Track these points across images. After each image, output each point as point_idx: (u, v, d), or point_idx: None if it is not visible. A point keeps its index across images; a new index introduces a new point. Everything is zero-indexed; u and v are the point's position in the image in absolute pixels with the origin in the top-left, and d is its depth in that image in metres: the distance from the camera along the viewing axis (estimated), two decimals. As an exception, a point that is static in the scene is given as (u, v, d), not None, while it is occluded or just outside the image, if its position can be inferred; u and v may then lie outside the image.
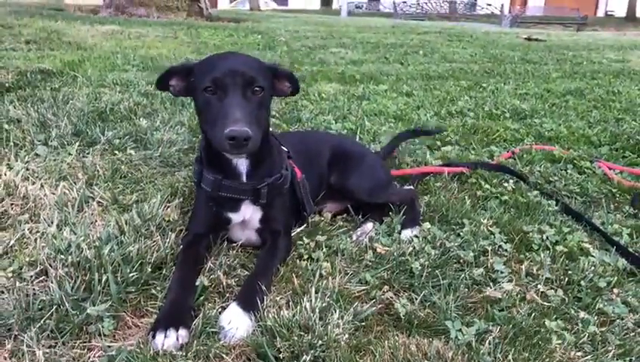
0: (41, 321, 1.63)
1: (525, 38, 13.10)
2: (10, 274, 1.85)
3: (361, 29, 13.41)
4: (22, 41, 6.67)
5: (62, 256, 1.92)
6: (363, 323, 1.76)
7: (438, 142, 3.81)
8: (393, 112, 4.54)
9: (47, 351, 1.55)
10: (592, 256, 2.29)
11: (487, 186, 2.95)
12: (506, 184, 2.98)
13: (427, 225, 2.40)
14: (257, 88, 1.89)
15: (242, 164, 2.06)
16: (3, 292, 1.78)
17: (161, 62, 6.06)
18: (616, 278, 2.11)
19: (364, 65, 7.35)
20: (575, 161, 3.49)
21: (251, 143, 1.77)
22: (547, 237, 2.39)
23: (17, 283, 1.81)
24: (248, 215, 2.10)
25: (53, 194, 2.43)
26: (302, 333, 1.63)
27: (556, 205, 2.77)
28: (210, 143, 1.98)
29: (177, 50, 7.22)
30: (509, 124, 4.34)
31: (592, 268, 2.18)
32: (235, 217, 2.10)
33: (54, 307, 1.68)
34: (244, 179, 2.07)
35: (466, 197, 2.79)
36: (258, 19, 15.16)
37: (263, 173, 2.08)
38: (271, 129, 2.25)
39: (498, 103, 5.12)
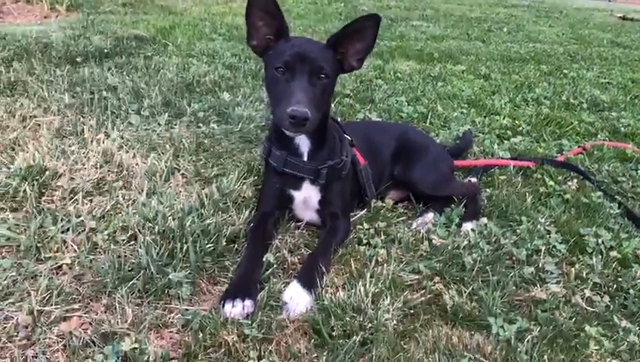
0: (131, 282, 1.89)
1: (620, 17, 12.38)
2: (106, 237, 2.13)
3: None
4: (119, 4, 7.10)
5: (150, 224, 2.19)
6: (411, 311, 1.92)
7: (509, 132, 3.84)
8: (467, 97, 4.57)
9: (135, 308, 1.81)
10: (647, 264, 2.33)
11: (551, 183, 2.99)
12: (570, 183, 3.00)
13: (484, 220, 2.50)
14: (323, 75, 2.09)
15: (305, 144, 2.27)
16: (100, 252, 2.06)
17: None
18: (667, 290, 2.16)
19: (445, 41, 7.29)
20: (648, 162, 3.44)
21: (309, 124, 1.98)
22: (603, 242, 2.44)
23: (112, 246, 2.09)
24: (308, 194, 2.30)
25: (144, 163, 2.71)
26: (354, 315, 1.82)
27: (619, 208, 2.79)
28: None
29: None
30: (584, 117, 4.28)
31: (644, 277, 2.23)
32: (297, 195, 2.30)
33: (142, 270, 1.94)
34: (306, 158, 2.27)
35: (528, 193, 2.85)
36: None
37: (324, 156, 2.28)
38: (339, 118, 2.40)
39: (577, 92, 5.01)
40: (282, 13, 2.14)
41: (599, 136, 3.94)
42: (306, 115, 1.93)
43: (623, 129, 4.11)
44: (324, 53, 2.14)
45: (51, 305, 1.76)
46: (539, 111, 4.34)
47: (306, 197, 2.31)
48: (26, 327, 1.67)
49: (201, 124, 3.29)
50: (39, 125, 2.99)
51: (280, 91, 2.06)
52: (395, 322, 1.83)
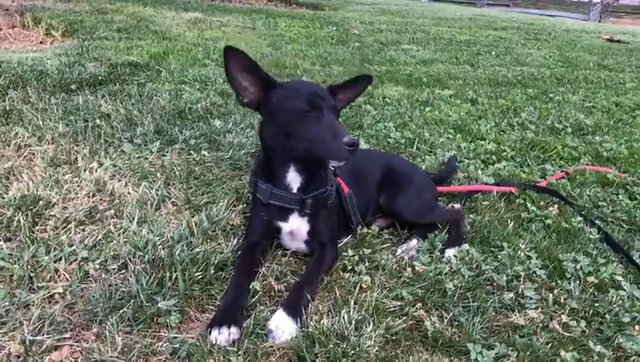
0: (121, 310, 1.94)
1: (607, 39, 12.61)
2: (97, 266, 2.19)
3: (437, 22, 13.33)
4: (114, 29, 7.20)
5: (140, 253, 2.25)
6: (393, 337, 1.98)
7: (494, 157, 3.93)
8: (454, 122, 4.67)
9: (125, 336, 1.86)
10: (623, 289, 2.40)
11: (533, 208, 3.07)
12: (551, 208, 3.08)
13: (466, 246, 2.58)
14: (338, 113, 2.29)
15: (296, 180, 2.33)
16: (91, 281, 2.12)
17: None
18: (641, 314, 2.23)
19: (434, 65, 7.43)
20: (628, 186, 3.54)
21: (358, 150, 2.12)
22: (581, 267, 2.51)
23: (103, 275, 2.15)
24: (296, 225, 2.37)
25: (136, 192, 2.77)
26: (338, 342, 1.88)
27: (598, 233, 2.87)
28: (271, 158, 2.32)
29: (254, 44, 7.55)
30: (568, 141, 4.38)
31: (620, 301, 2.30)
32: (284, 226, 2.37)
33: (132, 299, 2.00)
34: (295, 191, 2.34)
35: (510, 218, 2.93)
36: (335, 6, 15.30)
37: (311, 188, 2.35)
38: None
39: (562, 116, 5.13)
40: (260, 67, 2.23)
41: (582, 160, 4.04)
42: (358, 141, 2.10)
43: (605, 153, 4.21)
44: (330, 94, 2.32)
45: (43, 334, 1.81)
46: (524, 135, 4.44)
47: (294, 229, 2.37)
48: (18, 357, 1.73)
49: (192, 152, 3.36)
50: (34, 154, 3.06)
51: (314, 130, 2.15)
52: (377, 349, 1.89)
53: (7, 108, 3.71)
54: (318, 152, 2.19)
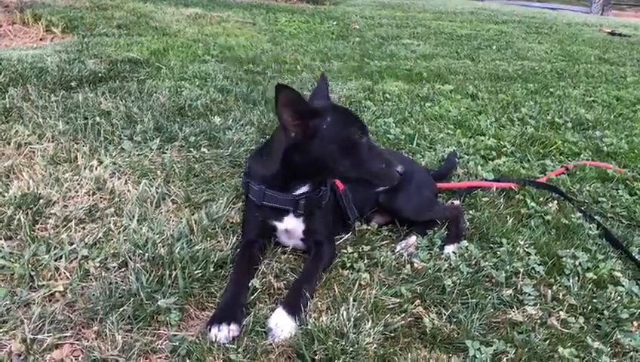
0: (121, 308, 1.96)
1: (608, 33, 12.57)
2: (97, 264, 2.20)
3: (438, 16, 13.29)
4: (114, 26, 7.20)
5: (140, 251, 2.27)
6: (392, 334, 1.99)
7: (494, 152, 3.93)
8: (454, 117, 4.66)
9: (125, 335, 1.87)
10: (622, 285, 2.41)
11: (532, 204, 3.07)
12: (551, 204, 3.09)
13: (465, 243, 2.58)
14: None
15: (305, 189, 2.33)
16: (92, 280, 2.13)
17: (239, 53, 6.41)
18: (640, 310, 2.24)
19: (434, 60, 7.42)
20: (628, 182, 3.54)
21: None
22: (580, 263, 2.52)
23: (103, 273, 2.16)
24: (291, 225, 2.37)
25: (136, 189, 2.78)
26: (337, 339, 1.89)
27: (597, 229, 2.87)
28: (292, 174, 2.28)
29: (254, 39, 7.54)
30: (568, 136, 4.38)
31: (619, 297, 2.31)
32: (279, 225, 2.38)
33: (132, 297, 2.01)
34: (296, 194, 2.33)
35: (509, 215, 2.94)
36: (336, 0, 15.24)
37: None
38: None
39: (562, 111, 5.12)
40: (304, 100, 2.16)
41: (582, 155, 4.04)
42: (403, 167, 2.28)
43: (605, 148, 4.20)
44: None
45: (44, 332, 1.83)
46: (524, 131, 4.44)
47: (290, 228, 2.38)
48: (19, 355, 1.74)
49: (192, 149, 3.37)
50: (34, 152, 3.07)
51: (369, 156, 2.24)
52: (375, 346, 1.90)
53: (7, 105, 3.72)
54: (371, 179, 2.28)
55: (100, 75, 4.72)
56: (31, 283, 2.06)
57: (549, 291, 2.31)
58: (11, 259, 2.16)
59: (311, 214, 2.37)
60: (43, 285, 2.05)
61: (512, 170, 3.60)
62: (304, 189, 2.32)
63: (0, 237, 2.31)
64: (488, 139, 4.16)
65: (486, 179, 3.39)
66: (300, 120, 2.13)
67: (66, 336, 1.84)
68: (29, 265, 2.13)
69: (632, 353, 2.03)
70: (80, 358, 1.75)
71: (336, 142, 2.19)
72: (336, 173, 2.29)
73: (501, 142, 4.12)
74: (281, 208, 2.33)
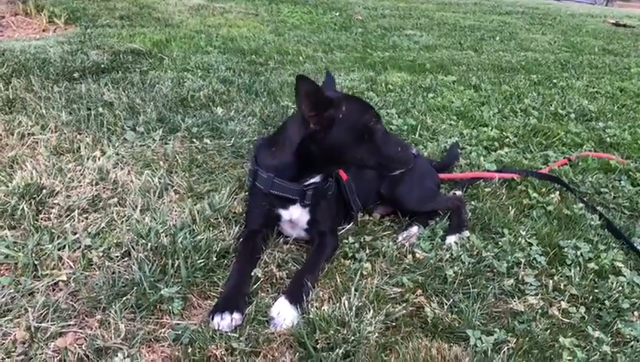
0: (124, 297, 1.98)
1: (613, 23, 12.49)
2: (100, 254, 2.22)
3: (441, 7, 13.20)
4: (116, 17, 7.19)
5: (143, 241, 2.28)
6: (393, 324, 2.00)
7: (496, 143, 3.93)
8: (456, 108, 4.66)
9: (128, 323, 1.89)
10: (623, 275, 2.41)
11: (534, 195, 3.08)
12: (553, 195, 3.08)
13: (467, 233, 2.59)
14: None
15: (316, 179, 2.34)
16: (95, 269, 2.15)
17: (241, 44, 6.40)
18: (641, 300, 2.24)
19: (437, 51, 7.39)
20: (630, 173, 3.53)
21: None
22: (581, 254, 2.52)
23: (106, 262, 2.17)
24: (296, 215, 2.38)
25: (139, 180, 2.79)
26: (338, 328, 1.90)
27: (599, 220, 2.87)
28: (306, 164, 2.28)
29: (257, 30, 7.52)
30: (571, 127, 4.37)
31: (620, 288, 2.31)
32: (284, 214, 2.38)
33: (135, 286, 2.03)
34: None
35: (511, 205, 2.94)
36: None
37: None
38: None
39: (565, 102, 5.10)
40: (323, 91, 2.17)
41: (585, 146, 4.02)
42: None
43: (608, 139, 4.19)
44: None
45: (48, 321, 1.84)
46: (527, 122, 4.43)
47: (294, 218, 2.38)
48: (24, 343, 1.76)
49: (194, 140, 3.37)
50: (37, 143, 3.07)
51: (385, 141, 2.29)
52: (377, 335, 1.92)
53: (11, 96, 3.72)
54: (388, 164, 2.33)
55: (102, 66, 4.72)
56: (35, 273, 2.08)
57: (551, 281, 2.32)
58: (15, 249, 2.18)
59: (317, 205, 2.37)
60: (46, 274, 2.07)
61: (514, 161, 3.59)
62: (314, 180, 2.33)
63: (4, 227, 2.32)
64: (491, 130, 4.15)
65: (488, 170, 3.39)
66: (316, 111, 2.14)
67: (69, 325, 1.86)
68: (33, 255, 2.14)
69: (632, 342, 2.03)
70: (83, 346, 1.76)
71: (353, 130, 2.21)
72: (354, 160, 2.31)
73: (504, 133, 4.12)
74: (288, 197, 2.33)
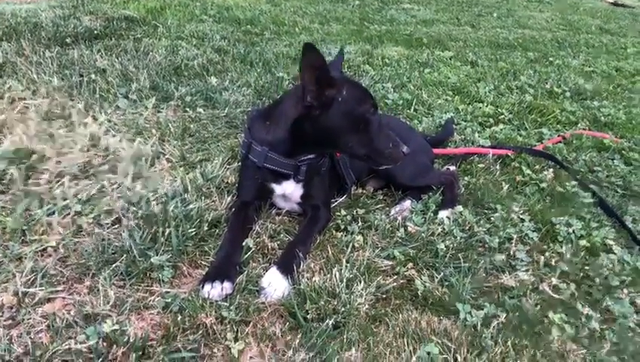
0: (114, 265, 1.96)
1: (611, 3, 12.39)
2: (90, 220, 2.20)
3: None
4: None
5: (134, 208, 2.26)
6: (384, 296, 2.00)
7: (491, 120, 3.91)
8: (452, 84, 4.62)
9: (118, 290, 1.88)
10: (614, 253, 2.42)
11: (528, 172, 3.07)
12: (546, 172, 3.08)
13: (460, 208, 2.58)
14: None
15: (309, 157, 2.30)
16: (84, 235, 2.13)
17: (237, 13, 6.30)
18: (631, 278, 2.25)
19: (434, 26, 7.32)
20: (624, 152, 3.53)
21: None
22: (573, 231, 2.52)
23: (96, 229, 2.15)
24: (290, 190, 2.35)
25: (130, 147, 2.76)
26: (329, 299, 1.90)
27: (592, 197, 2.87)
28: (300, 142, 2.23)
29: (253, 0, 7.41)
30: (566, 105, 4.35)
31: (610, 265, 2.32)
32: (277, 188, 2.35)
33: (125, 253, 2.01)
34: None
35: (505, 181, 2.93)
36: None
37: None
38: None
39: (561, 81, 5.07)
40: (328, 67, 2.10)
41: (579, 125, 4.02)
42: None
43: (603, 118, 4.18)
44: None
45: (36, 286, 1.83)
46: (522, 99, 4.40)
47: (288, 193, 2.36)
48: (11, 308, 1.75)
49: (188, 109, 3.33)
50: (27, 108, 3.03)
51: (378, 134, 2.22)
52: (367, 306, 1.92)
53: (1, 60, 3.66)
54: (376, 158, 2.25)
55: (95, 32, 4.64)
56: (23, 238, 2.06)
57: (542, 257, 2.32)
58: (3, 213, 2.16)
59: (310, 180, 2.35)
60: (35, 240, 2.05)
61: (508, 138, 3.58)
62: (309, 157, 2.30)
63: (-7, 192, 2.30)
64: (486, 106, 4.13)
65: (483, 146, 3.37)
66: (318, 85, 2.09)
67: (57, 291, 1.84)
68: (22, 220, 2.12)
69: (620, 319, 2.04)
70: (72, 312, 1.75)
71: (349, 117, 2.15)
72: (345, 148, 2.24)
73: (499, 110, 4.09)
74: (281, 172, 2.30)
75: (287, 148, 2.25)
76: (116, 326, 1.68)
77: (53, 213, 2.20)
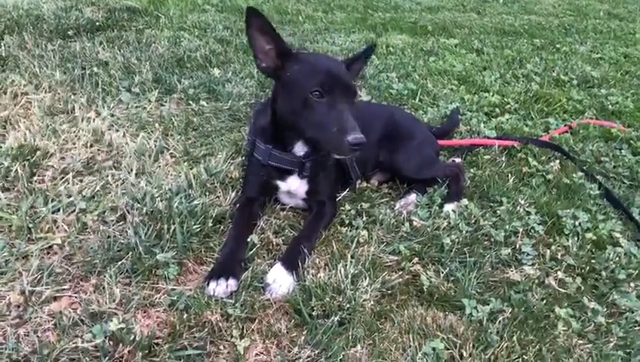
0: (119, 262, 1.96)
1: (619, -13, 12.23)
2: (95, 217, 2.19)
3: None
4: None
5: (138, 205, 2.25)
6: (389, 292, 2.00)
7: (497, 110, 3.88)
8: (458, 72, 4.59)
9: (123, 288, 1.88)
10: (621, 246, 2.41)
11: (534, 163, 3.05)
12: (553, 163, 3.05)
13: (465, 201, 2.57)
14: (355, 98, 2.16)
15: (303, 148, 2.27)
16: (90, 233, 2.13)
17: (239, 2, 6.26)
18: (638, 271, 2.24)
19: (439, 12, 7.26)
20: (632, 141, 3.50)
21: (364, 147, 2.00)
22: (580, 223, 2.51)
23: (101, 226, 2.15)
24: (295, 186, 2.34)
25: (134, 142, 2.75)
26: (334, 295, 1.90)
27: (599, 189, 2.85)
28: (281, 127, 2.22)
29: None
30: (573, 94, 4.31)
31: (617, 258, 2.31)
32: (282, 185, 2.35)
33: (130, 250, 2.01)
34: (299, 155, 2.29)
35: (511, 173, 2.91)
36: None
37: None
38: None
39: (568, 68, 5.02)
40: (278, 34, 2.11)
41: (587, 114, 3.98)
42: (364, 140, 1.97)
43: (610, 107, 4.15)
44: (350, 75, 2.22)
45: (42, 285, 1.83)
46: (528, 87, 4.37)
47: (293, 189, 2.35)
48: (18, 307, 1.75)
49: (191, 102, 3.32)
50: (30, 103, 3.02)
51: (323, 117, 2.04)
52: (372, 302, 1.92)
53: (3, 54, 3.65)
54: (321, 143, 2.10)
55: (97, 23, 4.62)
56: (29, 236, 2.06)
57: (548, 251, 2.31)
58: (9, 211, 2.16)
59: (315, 176, 2.34)
60: (41, 237, 2.05)
61: (514, 128, 3.55)
62: (300, 147, 2.27)
63: (-3, 189, 2.30)
64: (492, 95, 4.10)
65: (488, 137, 3.35)
66: (272, 53, 2.12)
67: (64, 289, 1.85)
68: (27, 218, 2.11)
69: (627, 313, 2.04)
70: (78, 311, 1.76)
71: (292, 95, 2.11)
72: (298, 129, 2.16)
73: (505, 99, 4.06)
74: (286, 169, 2.30)
75: (272, 137, 2.26)
76: (122, 325, 1.68)
77: (58, 210, 2.20)
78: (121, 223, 2.19)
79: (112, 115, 3.00)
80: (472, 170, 2.93)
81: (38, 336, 1.65)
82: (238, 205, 2.33)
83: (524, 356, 1.77)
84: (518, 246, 2.33)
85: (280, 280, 1.95)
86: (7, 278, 1.85)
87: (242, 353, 1.69)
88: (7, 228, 2.09)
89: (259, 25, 2.07)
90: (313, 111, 2.06)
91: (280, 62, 2.14)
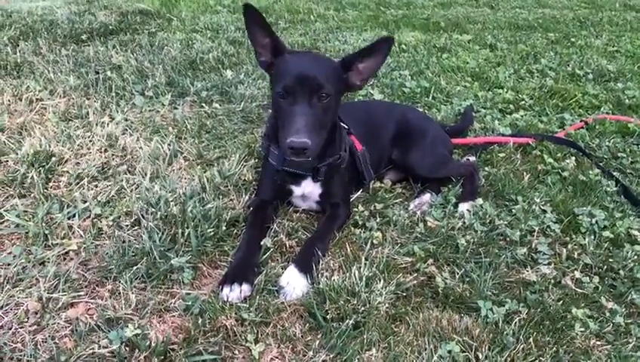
0: (135, 267, 1.97)
1: (635, -23, 12.06)
2: (110, 223, 2.21)
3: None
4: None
5: (152, 209, 2.26)
6: (404, 294, 1.99)
7: (512, 106, 3.84)
8: (471, 69, 4.55)
9: (139, 293, 1.89)
10: (639, 244, 2.37)
11: (550, 160, 3.01)
12: (568, 160, 3.02)
13: (480, 200, 2.54)
14: (323, 95, 2.05)
15: None
16: (105, 238, 2.14)
17: (251, 2, 6.25)
18: (657, 270, 2.20)
19: (452, 8, 7.21)
20: (650, 136, 3.44)
21: (309, 152, 1.98)
22: (596, 221, 2.47)
23: (116, 231, 2.16)
24: (308, 190, 2.34)
25: (148, 146, 2.76)
26: (348, 298, 1.89)
27: (616, 186, 2.81)
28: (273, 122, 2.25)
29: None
30: (589, 88, 4.25)
31: (635, 257, 2.27)
32: (296, 189, 2.35)
33: (145, 255, 2.02)
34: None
35: (526, 171, 2.89)
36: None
37: (323, 153, 2.26)
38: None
39: (583, 62, 4.96)
40: (272, 31, 2.13)
41: (603, 108, 3.93)
42: (305, 145, 1.94)
43: (627, 101, 4.08)
44: (326, 70, 2.11)
45: (59, 291, 1.85)
46: (543, 83, 4.32)
47: (307, 192, 2.36)
48: (36, 313, 1.77)
49: (203, 104, 3.33)
50: (45, 108, 3.05)
51: (283, 117, 2.06)
52: (387, 305, 1.91)
53: (19, 60, 3.69)
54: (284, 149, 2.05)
55: (110, 27, 4.66)
56: (45, 242, 2.08)
57: (564, 250, 2.28)
58: (25, 218, 2.18)
59: (329, 178, 2.33)
60: (57, 243, 2.07)
61: (529, 125, 3.52)
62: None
63: (14, 196, 2.32)
64: (506, 92, 4.06)
65: (503, 134, 3.32)
66: (268, 49, 2.14)
67: (80, 295, 1.86)
68: (43, 224, 2.14)
69: (646, 313, 2.01)
70: (94, 317, 1.77)
71: (273, 94, 2.14)
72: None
73: (519, 95, 4.02)
74: (300, 173, 2.30)
75: (275, 138, 2.25)
76: (138, 331, 1.69)
77: (74, 215, 2.22)
78: (135, 228, 2.21)
79: (126, 120, 3.02)
80: (486, 169, 2.91)
81: (55, 343, 1.67)
82: (251, 208, 2.34)
83: (540, 358, 1.75)
84: (533, 245, 2.30)
85: (294, 283, 1.95)
86: (25, 285, 1.87)
87: (257, 358, 1.69)
88: (24, 234, 2.11)
89: (256, 20, 2.10)
90: (278, 110, 2.11)
91: (272, 59, 2.16)
